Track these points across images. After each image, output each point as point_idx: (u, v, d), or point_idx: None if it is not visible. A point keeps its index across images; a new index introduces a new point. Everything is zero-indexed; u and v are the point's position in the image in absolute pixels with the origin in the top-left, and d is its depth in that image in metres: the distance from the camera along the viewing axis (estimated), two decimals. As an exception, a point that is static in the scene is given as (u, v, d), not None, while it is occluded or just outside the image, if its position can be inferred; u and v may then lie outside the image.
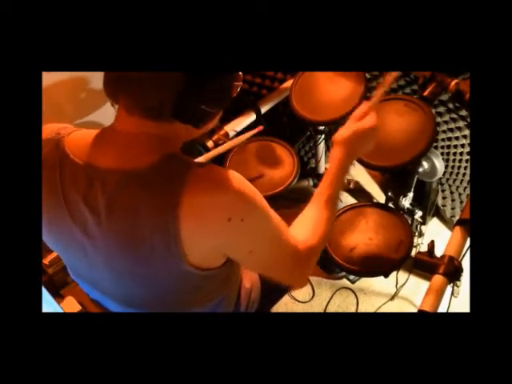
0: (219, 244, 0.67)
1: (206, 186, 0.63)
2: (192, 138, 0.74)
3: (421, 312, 0.84)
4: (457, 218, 1.02)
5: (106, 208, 0.65)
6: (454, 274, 0.89)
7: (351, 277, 1.56)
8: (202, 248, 0.66)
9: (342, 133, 0.86)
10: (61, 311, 0.93)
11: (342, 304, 1.56)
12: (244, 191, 0.65)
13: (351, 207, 1.15)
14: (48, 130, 0.73)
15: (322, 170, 1.79)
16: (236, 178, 0.65)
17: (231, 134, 1.37)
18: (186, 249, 0.64)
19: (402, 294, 1.52)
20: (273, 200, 1.20)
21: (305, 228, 0.79)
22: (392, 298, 1.52)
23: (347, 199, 1.85)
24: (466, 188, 1.57)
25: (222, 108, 0.70)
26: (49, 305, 0.91)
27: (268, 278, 0.79)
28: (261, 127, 1.23)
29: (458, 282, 0.92)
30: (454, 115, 1.43)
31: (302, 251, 0.76)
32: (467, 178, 1.54)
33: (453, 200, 1.65)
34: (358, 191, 1.88)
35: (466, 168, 1.53)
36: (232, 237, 0.67)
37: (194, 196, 0.62)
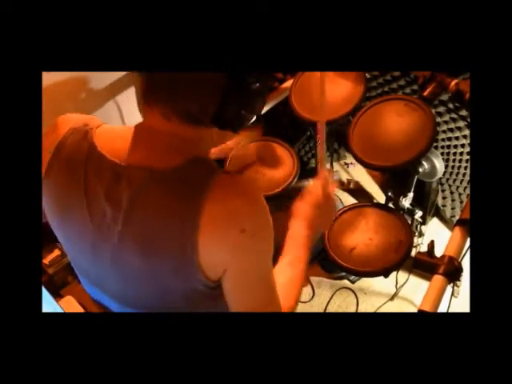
0: (226, 256, 0.67)
1: (227, 192, 0.63)
2: (225, 143, 0.75)
3: (421, 312, 0.83)
4: (457, 218, 1.02)
5: (128, 205, 0.65)
6: (453, 274, 0.89)
7: (351, 277, 1.56)
8: (213, 256, 0.66)
9: (302, 207, 0.88)
10: (61, 311, 0.93)
11: (342, 304, 1.56)
12: (262, 207, 0.65)
13: (351, 207, 1.15)
14: (73, 120, 0.73)
15: (321, 170, 1.79)
16: (257, 193, 0.66)
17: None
18: (201, 256, 0.64)
19: (402, 294, 1.52)
20: (273, 200, 1.20)
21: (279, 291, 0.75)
22: (392, 298, 1.52)
23: (347, 199, 1.85)
24: (466, 188, 1.57)
25: (259, 111, 0.71)
26: (49, 305, 0.91)
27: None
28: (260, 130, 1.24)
29: (458, 282, 0.92)
30: (454, 115, 1.44)
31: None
32: (467, 177, 1.54)
33: (453, 200, 1.65)
34: (357, 191, 1.88)
35: (466, 168, 1.53)
36: (238, 250, 0.66)
37: (215, 202, 0.62)
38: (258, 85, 0.65)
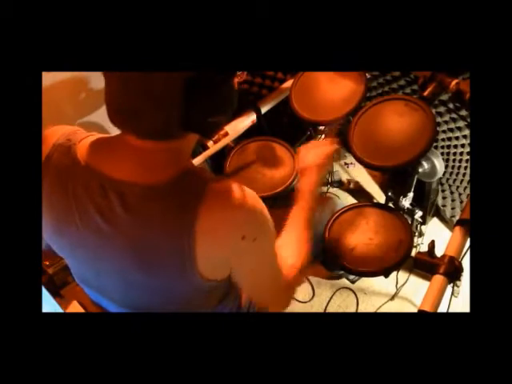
0: (229, 260, 0.68)
1: (223, 202, 0.63)
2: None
3: (421, 312, 0.83)
4: (457, 218, 1.02)
5: (124, 221, 0.65)
6: (454, 274, 0.89)
7: (351, 277, 1.56)
8: (214, 262, 0.67)
9: (311, 160, 0.99)
10: (61, 311, 0.93)
11: (342, 304, 1.56)
12: (259, 210, 0.66)
13: (351, 207, 1.15)
14: (57, 134, 0.72)
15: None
16: (252, 196, 0.66)
17: (231, 133, 1.37)
18: (199, 263, 0.64)
19: (402, 293, 1.52)
20: (273, 200, 1.20)
21: (289, 252, 0.81)
22: (392, 298, 1.52)
23: (347, 199, 1.85)
24: (466, 188, 1.57)
25: (229, 114, 0.69)
26: (49, 305, 0.91)
27: (256, 301, 0.85)
28: (254, 119, 1.24)
29: (458, 282, 0.92)
30: (454, 115, 1.43)
31: (289, 274, 0.79)
32: (467, 177, 1.53)
33: (453, 200, 1.64)
34: (357, 191, 1.88)
35: (466, 168, 1.52)
36: (242, 254, 0.67)
37: (210, 212, 0.62)
38: (217, 91, 0.64)
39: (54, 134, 0.72)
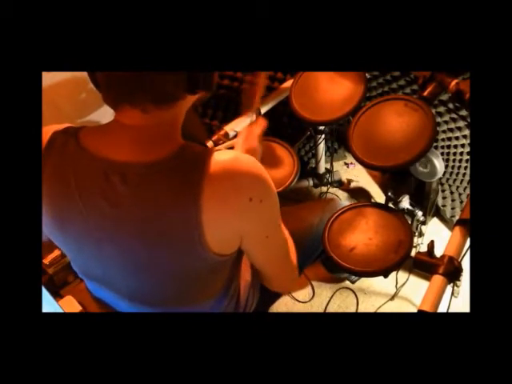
0: (239, 227, 0.69)
1: (226, 167, 0.64)
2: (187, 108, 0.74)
3: (421, 312, 0.83)
4: (457, 218, 1.02)
5: (128, 200, 0.65)
6: (453, 274, 0.89)
7: (351, 277, 1.56)
8: (222, 232, 0.67)
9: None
10: (61, 311, 0.93)
11: (342, 304, 1.56)
12: (261, 174, 0.67)
13: (351, 207, 1.15)
14: (54, 127, 0.72)
15: (321, 170, 1.79)
16: (253, 160, 0.67)
17: (231, 134, 1.37)
18: (207, 234, 0.65)
19: (401, 293, 1.52)
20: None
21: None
22: (392, 298, 1.52)
23: (347, 199, 1.85)
24: (466, 188, 1.57)
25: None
26: (49, 305, 0.91)
27: (274, 277, 0.85)
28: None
29: (457, 282, 0.92)
30: (454, 115, 1.43)
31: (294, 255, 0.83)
32: (467, 177, 1.54)
33: (453, 200, 1.65)
34: (358, 191, 1.88)
35: (466, 168, 1.53)
36: (252, 218, 0.68)
37: (215, 178, 0.63)
38: None
39: (50, 129, 0.73)
